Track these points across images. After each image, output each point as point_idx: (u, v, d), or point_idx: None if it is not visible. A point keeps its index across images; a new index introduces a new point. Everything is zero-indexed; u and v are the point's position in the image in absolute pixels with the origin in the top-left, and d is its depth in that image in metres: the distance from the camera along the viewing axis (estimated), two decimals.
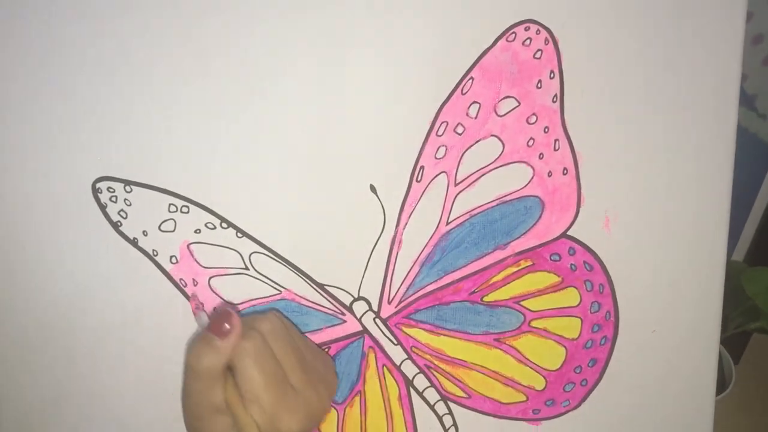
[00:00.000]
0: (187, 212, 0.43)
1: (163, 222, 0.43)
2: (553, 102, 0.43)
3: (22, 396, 0.47)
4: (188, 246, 0.44)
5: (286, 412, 0.38)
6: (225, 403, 0.39)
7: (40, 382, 0.47)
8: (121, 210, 0.43)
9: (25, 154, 0.42)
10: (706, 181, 0.45)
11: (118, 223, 0.43)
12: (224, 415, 0.39)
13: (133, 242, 0.44)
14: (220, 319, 0.39)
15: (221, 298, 0.45)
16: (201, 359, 0.38)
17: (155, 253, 0.44)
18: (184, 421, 0.41)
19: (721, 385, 0.97)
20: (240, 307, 0.45)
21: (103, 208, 0.43)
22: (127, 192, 0.43)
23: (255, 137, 0.42)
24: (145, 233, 0.44)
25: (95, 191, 0.43)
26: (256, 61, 0.41)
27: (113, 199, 0.43)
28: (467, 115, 0.43)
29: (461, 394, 0.48)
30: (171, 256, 0.44)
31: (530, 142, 0.43)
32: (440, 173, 0.44)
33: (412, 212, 0.44)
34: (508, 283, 0.46)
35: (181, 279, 0.44)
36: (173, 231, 0.44)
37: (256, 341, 0.38)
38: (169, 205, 0.43)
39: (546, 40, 0.42)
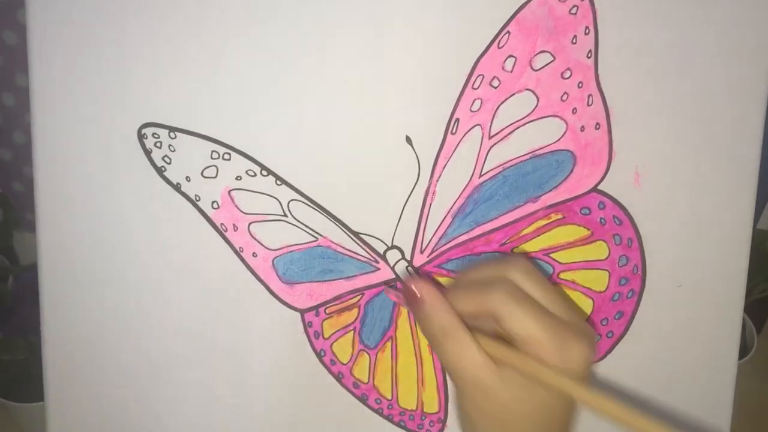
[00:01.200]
0: (229, 159, 0.45)
1: (205, 168, 0.45)
2: (588, 58, 0.44)
3: (67, 341, 0.50)
4: (229, 192, 0.46)
5: (569, 339, 0.35)
6: (492, 362, 0.36)
7: (84, 323, 0.49)
8: (165, 156, 0.45)
9: (75, 99, 0.44)
10: (736, 138, 0.46)
11: (162, 168, 0.45)
12: (506, 376, 0.35)
13: (176, 187, 0.45)
14: (408, 293, 0.38)
15: (260, 243, 0.46)
16: (427, 328, 0.37)
17: (197, 198, 0.46)
18: (463, 412, 0.38)
19: (743, 351, 0.97)
20: (278, 253, 0.47)
21: (148, 153, 0.45)
22: (172, 138, 0.44)
23: (296, 89, 0.44)
24: (188, 179, 0.45)
25: (141, 137, 0.44)
26: (301, 16, 0.42)
27: (158, 144, 0.44)
28: (503, 68, 0.44)
29: None
30: (213, 202, 0.46)
31: (564, 97, 0.44)
32: (475, 126, 0.45)
33: (446, 164, 0.45)
34: (539, 235, 0.47)
35: (222, 224, 0.46)
36: (215, 177, 0.45)
37: (508, 284, 0.36)
38: (212, 151, 0.45)
39: None
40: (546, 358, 0.34)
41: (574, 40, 0.43)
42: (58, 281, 0.48)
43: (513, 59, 0.43)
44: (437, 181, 0.46)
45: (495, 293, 0.36)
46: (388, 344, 0.49)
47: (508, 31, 0.43)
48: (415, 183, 0.46)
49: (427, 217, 0.47)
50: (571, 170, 0.46)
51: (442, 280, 0.48)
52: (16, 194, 1.03)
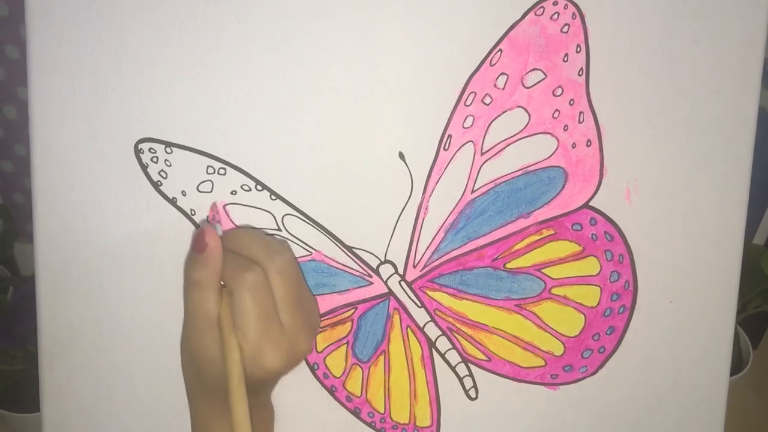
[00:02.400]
0: (224, 174, 0.45)
1: (201, 183, 0.46)
2: (579, 75, 0.44)
3: (64, 351, 0.50)
4: (224, 207, 0.46)
5: (270, 346, 0.40)
6: (216, 320, 0.41)
7: (81, 333, 0.50)
8: (162, 170, 0.45)
9: (73, 114, 0.44)
10: (727, 156, 0.46)
11: (159, 183, 0.46)
12: (215, 329, 0.41)
13: (173, 201, 0.46)
14: (198, 236, 0.41)
15: None
16: (190, 272, 0.41)
17: (193, 213, 0.46)
18: (181, 341, 0.44)
19: (738, 366, 0.97)
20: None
21: (144, 168, 0.45)
22: (168, 153, 0.45)
23: (291, 105, 0.44)
24: (183, 193, 0.46)
25: (137, 151, 0.45)
26: (296, 33, 0.43)
27: (154, 159, 0.45)
28: (495, 86, 0.44)
29: (482, 356, 0.49)
30: (207, 217, 0.46)
31: (555, 114, 0.45)
32: (467, 142, 0.45)
33: (438, 180, 0.46)
34: (531, 250, 0.47)
35: None
36: (210, 192, 0.46)
37: (257, 275, 0.40)
38: (207, 167, 0.45)
39: (573, 14, 0.43)
40: (243, 349, 0.40)
41: (565, 58, 0.44)
42: (56, 292, 0.49)
43: (505, 77, 0.44)
44: (430, 196, 0.46)
45: (241, 274, 0.40)
46: (381, 358, 0.50)
47: (500, 49, 0.43)
48: (408, 198, 0.46)
49: (419, 232, 0.47)
50: (563, 186, 0.46)
51: (436, 295, 0.48)
52: (17, 206, 1.04)
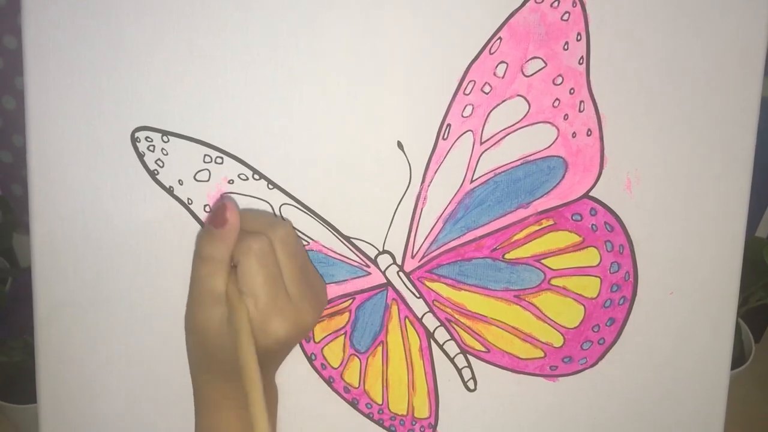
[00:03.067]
0: (221, 163, 0.45)
1: (198, 172, 0.45)
2: (579, 64, 0.44)
3: (61, 342, 0.50)
4: (221, 196, 0.46)
5: (277, 314, 0.40)
6: (225, 296, 0.41)
7: (77, 324, 0.49)
8: (158, 159, 0.45)
9: (69, 103, 0.44)
10: (729, 145, 0.46)
11: (155, 172, 0.45)
12: (222, 305, 0.41)
13: (169, 190, 0.46)
14: (218, 211, 0.41)
15: None
16: (205, 246, 0.41)
17: (190, 202, 0.46)
18: (186, 318, 0.44)
19: (741, 360, 0.97)
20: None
21: (141, 156, 0.45)
22: (165, 142, 0.45)
23: (289, 94, 0.44)
24: (180, 182, 0.45)
25: (134, 140, 0.45)
26: (291, 16, 0.42)
27: (151, 148, 0.45)
28: (494, 74, 0.44)
29: (480, 348, 0.49)
30: (205, 205, 0.46)
31: (556, 103, 0.44)
32: (466, 131, 0.45)
33: (437, 169, 0.45)
34: (530, 241, 0.47)
35: None
36: (207, 181, 0.45)
37: (263, 243, 0.40)
38: (204, 155, 0.45)
39: (573, 2, 0.43)
40: (251, 315, 0.40)
41: (565, 47, 0.43)
42: (52, 283, 0.49)
43: (504, 65, 0.44)
44: (428, 186, 0.46)
45: (247, 243, 0.40)
46: (379, 349, 0.49)
47: (500, 38, 0.43)
48: (407, 188, 0.46)
49: (418, 222, 0.47)
50: (563, 176, 0.46)
51: (435, 286, 0.48)
52: (15, 197, 1.04)
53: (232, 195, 0.46)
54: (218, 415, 0.43)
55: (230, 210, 0.41)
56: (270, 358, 0.43)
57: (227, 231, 0.40)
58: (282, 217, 0.46)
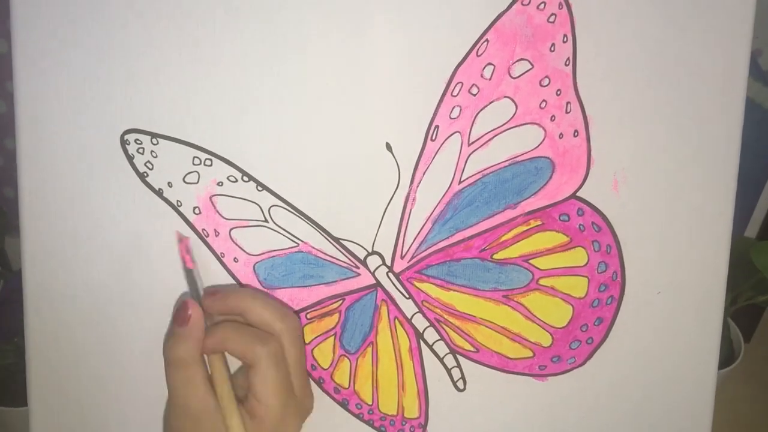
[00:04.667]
0: (210, 165, 0.45)
1: (187, 174, 0.45)
2: (566, 65, 0.44)
3: (51, 345, 0.50)
4: (210, 198, 0.46)
5: (291, 415, 0.40)
6: (208, 406, 0.39)
7: (68, 326, 0.49)
8: (148, 161, 0.45)
9: (59, 106, 0.44)
10: (715, 147, 0.46)
11: (145, 174, 0.45)
12: (216, 413, 0.39)
13: (159, 193, 0.46)
14: (180, 309, 0.40)
15: (241, 248, 0.47)
16: (172, 349, 0.40)
17: (179, 204, 0.46)
18: (170, 426, 0.42)
19: (730, 359, 0.98)
20: (259, 258, 0.47)
21: (130, 159, 0.45)
22: (154, 144, 0.45)
23: (276, 96, 0.44)
24: (170, 184, 0.46)
25: (123, 143, 0.45)
26: (279, 19, 0.43)
27: (140, 150, 0.45)
28: (482, 76, 0.44)
29: (469, 348, 0.49)
30: (194, 207, 0.46)
31: (543, 104, 0.45)
32: (454, 133, 0.45)
33: (425, 170, 0.46)
34: (518, 241, 0.47)
35: (203, 229, 0.46)
36: (197, 183, 0.46)
37: (277, 347, 0.39)
38: (194, 157, 0.45)
39: (560, 4, 0.43)
40: (265, 422, 0.39)
41: (552, 48, 0.44)
42: (42, 286, 0.49)
43: (492, 67, 0.44)
44: (417, 187, 0.46)
45: (264, 347, 0.39)
46: (369, 349, 0.49)
47: (487, 39, 0.43)
48: (395, 189, 0.46)
49: (407, 223, 0.47)
50: (550, 177, 0.46)
51: (424, 286, 0.48)
52: (8, 200, 1.03)
53: (221, 197, 0.46)
54: None
55: (192, 307, 0.40)
56: None
57: (191, 328, 0.39)
58: (271, 218, 0.46)
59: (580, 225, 0.47)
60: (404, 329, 0.49)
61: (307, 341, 0.49)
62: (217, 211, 0.46)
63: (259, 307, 0.41)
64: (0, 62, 0.89)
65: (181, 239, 0.45)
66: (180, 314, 0.40)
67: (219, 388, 0.40)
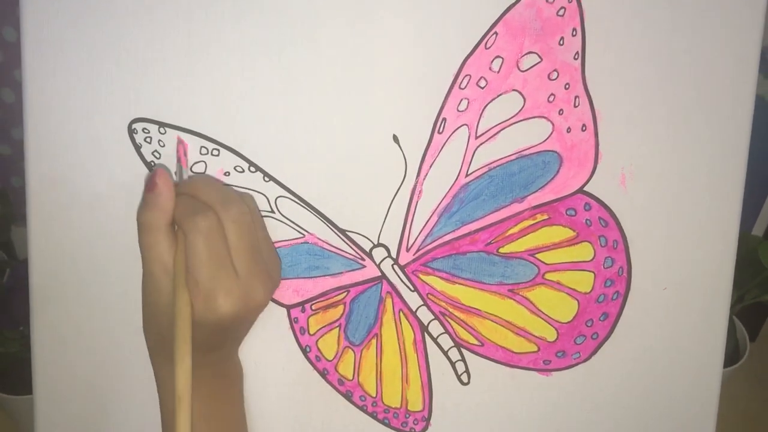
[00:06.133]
0: (218, 155, 0.45)
1: (194, 164, 0.45)
2: (575, 59, 0.44)
3: (56, 333, 0.50)
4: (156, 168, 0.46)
5: (222, 291, 0.40)
6: (170, 270, 0.41)
7: (73, 315, 0.50)
8: (155, 151, 0.45)
9: (68, 95, 0.44)
10: (724, 143, 0.46)
11: (152, 163, 0.45)
12: (171, 275, 0.41)
13: None
14: (150, 176, 0.41)
15: None
16: (141, 214, 0.41)
17: None
18: (141, 291, 0.43)
19: (735, 358, 0.97)
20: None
21: (138, 148, 0.45)
22: (161, 134, 0.45)
23: (285, 87, 0.44)
24: (176, 174, 0.46)
25: (131, 132, 0.45)
26: (289, 14, 0.43)
27: (148, 140, 0.45)
28: (490, 69, 0.44)
29: (474, 341, 0.49)
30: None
31: (551, 98, 0.45)
32: (462, 126, 0.45)
33: (432, 163, 0.46)
34: (524, 235, 0.47)
35: None
36: (203, 173, 0.46)
37: (210, 220, 0.40)
38: (201, 147, 0.45)
39: None
40: (194, 292, 0.40)
41: (561, 42, 0.44)
42: (48, 274, 0.49)
43: (500, 60, 0.44)
44: (424, 179, 0.46)
45: (194, 219, 0.40)
46: (373, 341, 0.49)
47: (496, 32, 0.43)
48: (402, 181, 0.46)
49: (413, 216, 0.47)
50: (557, 171, 0.46)
51: (429, 279, 0.48)
52: (14, 189, 1.04)
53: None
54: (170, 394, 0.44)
55: (160, 175, 0.40)
56: (221, 334, 0.43)
57: (157, 195, 0.40)
58: (277, 209, 0.46)
59: (586, 220, 0.47)
60: (409, 322, 0.49)
61: (311, 332, 0.49)
62: None
63: (204, 187, 0.42)
64: (8, 51, 0.90)
65: (181, 141, 0.45)
66: (149, 181, 0.41)
67: (176, 260, 0.41)
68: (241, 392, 0.48)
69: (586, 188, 0.46)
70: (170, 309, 0.40)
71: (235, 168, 0.46)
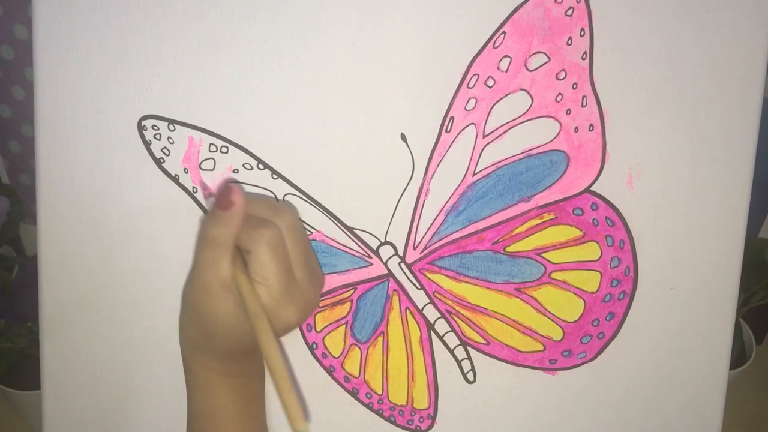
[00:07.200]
0: (227, 152, 0.45)
1: (203, 161, 0.46)
2: (583, 59, 0.44)
3: (65, 329, 0.50)
4: (226, 179, 0.46)
5: (289, 300, 0.41)
6: (232, 281, 0.41)
7: (81, 312, 0.50)
8: (164, 147, 0.45)
9: (77, 92, 0.45)
10: (731, 144, 0.46)
11: (161, 160, 0.46)
12: (229, 292, 0.40)
13: (175, 179, 0.46)
14: (224, 193, 0.40)
15: None
16: (209, 229, 0.41)
17: (195, 190, 0.46)
18: (185, 300, 0.43)
19: (741, 360, 0.97)
20: None
21: (147, 145, 0.45)
22: (171, 131, 0.45)
23: (293, 85, 0.44)
24: (186, 171, 0.46)
25: (140, 128, 0.45)
26: (298, 13, 0.43)
27: (157, 136, 0.45)
28: (498, 68, 0.44)
29: (480, 340, 0.49)
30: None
31: (558, 98, 0.45)
32: (469, 125, 0.45)
33: (440, 162, 0.46)
34: (531, 234, 0.47)
35: None
36: (212, 170, 0.46)
37: (275, 231, 0.40)
38: (210, 144, 0.45)
39: None
40: (265, 302, 0.40)
41: (569, 42, 0.44)
42: (58, 271, 0.49)
43: (508, 59, 0.44)
44: (431, 178, 0.46)
45: (259, 231, 0.40)
46: (380, 339, 0.50)
47: (504, 32, 0.43)
48: (409, 180, 0.46)
49: (420, 214, 0.47)
50: (565, 171, 0.46)
51: (436, 277, 0.48)
52: (23, 186, 1.04)
53: (237, 184, 0.46)
54: (212, 393, 0.44)
55: (236, 193, 0.40)
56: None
57: (233, 214, 0.40)
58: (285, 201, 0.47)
59: (593, 219, 0.47)
60: (415, 320, 0.49)
61: (318, 329, 0.49)
62: None
63: (254, 202, 0.42)
64: (19, 49, 0.90)
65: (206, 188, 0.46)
66: (224, 198, 0.41)
67: (237, 272, 0.41)
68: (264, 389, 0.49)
69: (593, 188, 0.46)
70: (226, 322, 0.41)
71: (243, 165, 0.46)
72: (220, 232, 0.40)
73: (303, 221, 0.47)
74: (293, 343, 0.50)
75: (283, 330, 0.41)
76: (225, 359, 0.42)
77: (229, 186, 0.41)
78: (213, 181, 0.46)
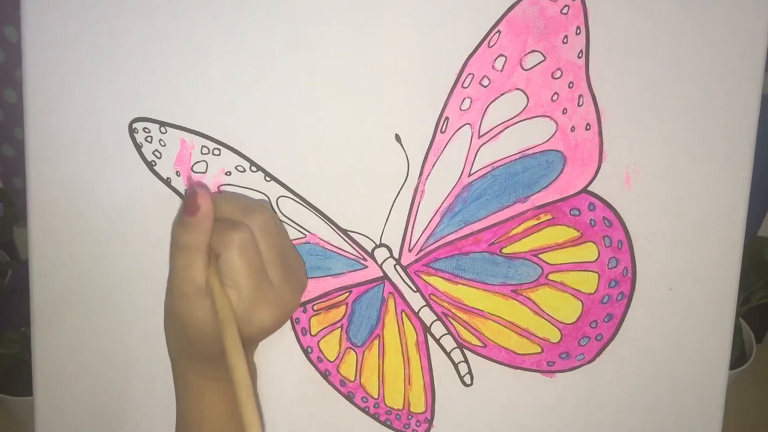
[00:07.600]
0: (219, 155, 0.45)
1: (195, 163, 0.45)
2: (579, 58, 0.44)
3: (57, 334, 0.50)
4: (219, 188, 0.46)
5: (262, 302, 0.40)
6: (206, 286, 0.40)
7: (74, 316, 0.49)
8: (156, 150, 0.45)
9: (69, 95, 0.44)
10: (729, 142, 0.46)
11: (153, 163, 0.45)
12: (204, 296, 0.40)
13: (167, 182, 0.46)
14: (190, 198, 0.40)
15: None
16: (179, 235, 0.40)
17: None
18: (166, 306, 0.43)
19: (741, 360, 0.97)
20: None
21: (138, 147, 0.45)
22: (162, 133, 0.45)
23: (287, 86, 0.44)
24: (178, 173, 0.45)
25: (132, 131, 0.45)
26: (291, 13, 0.42)
27: (148, 139, 0.45)
28: (493, 67, 0.43)
29: (477, 342, 0.49)
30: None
31: (554, 97, 0.44)
32: (464, 125, 0.45)
33: (435, 163, 0.45)
34: (528, 235, 0.47)
35: None
36: (205, 172, 0.45)
37: (245, 233, 0.39)
38: (202, 147, 0.45)
39: None
40: (236, 307, 0.39)
41: (565, 40, 0.43)
42: (49, 275, 0.49)
43: (503, 58, 0.43)
44: (426, 179, 0.46)
45: (228, 235, 0.39)
46: (376, 342, 0.49)
47: (499, 31, 0.43)
48: (404, 181, 0.46)
49: (415, 216, 0.46)
50: (561, 171, 0.46)
51: (432, 279, 0.48)
52: (17, 190, 1.04)
53: (229, 187, 0.46)
54: (201, 398, 0.44)
55: (201, 196, 0.39)
56: (253, 343, 0.44)
57: (200, 218, 0.39)
58: (278, 209, 0.46)
59: (591, 220, 0.46)
60: (411, 323, 0.49)
61: (313, 333, 0.49)
62: None
63: (225, 204, 0.42)
64: (10, 51, 0.90)
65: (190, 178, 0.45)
66: (190, 203, 0.40)
67: (210, 276, 0.40)
68: (256, 394, 0.48)
69: (590, 188, 0.46)
70: (203, 325, 0.40)
71: (236, 167, 0.45)
72: (190, 237, 0.40)
73: (297, 224, 0.46)
74: (288, 346, 0.49)
75: (258, 334, 0.41)
76: (211, 363, 0.42)
77: (194, 190, 0.40)
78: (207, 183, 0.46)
